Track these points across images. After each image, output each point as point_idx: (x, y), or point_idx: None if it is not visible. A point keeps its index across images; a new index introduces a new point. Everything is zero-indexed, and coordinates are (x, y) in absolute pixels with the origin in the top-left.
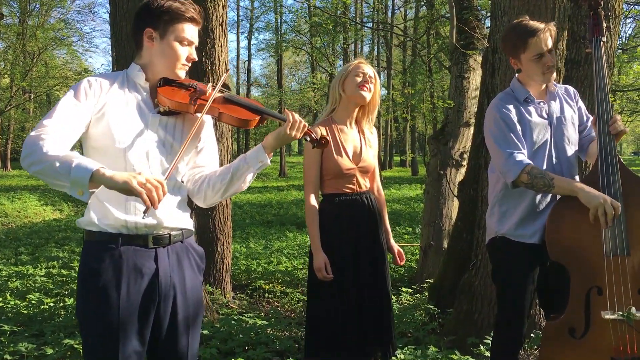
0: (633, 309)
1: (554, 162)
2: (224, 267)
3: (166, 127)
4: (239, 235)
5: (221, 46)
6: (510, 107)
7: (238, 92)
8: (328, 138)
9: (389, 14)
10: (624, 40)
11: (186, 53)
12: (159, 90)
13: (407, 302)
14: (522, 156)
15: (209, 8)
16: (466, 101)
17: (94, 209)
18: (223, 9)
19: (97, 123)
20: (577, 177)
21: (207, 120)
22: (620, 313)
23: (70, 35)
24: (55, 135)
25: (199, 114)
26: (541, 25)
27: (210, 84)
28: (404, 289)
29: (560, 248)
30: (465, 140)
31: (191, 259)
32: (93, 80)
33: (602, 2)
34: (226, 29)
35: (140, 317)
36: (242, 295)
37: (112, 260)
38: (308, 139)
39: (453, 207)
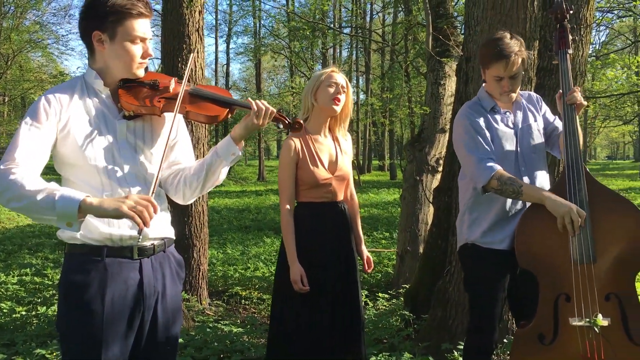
0: (600, 316)
1: (522, 171)
2: (200, 273)
3: (135, 132)
4: (216, 241)
5: (197, 52)
6: (479, 115)
7: None
8: (301, 121)
9: (367, 19)
10: (597, 47)
11: (141, 50)
12: (120, 93)
13: (384, 307)
14: (492, 162)
15: (185, 14)
16: (442, 108)
17: None
18: (199, 15)
19: (64, 141)
20: (546, 185)
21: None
22: (587, 319)
23: (45, 38)
24: (26, 166)
25: (166, 113)
26: (515, 48)
27: (173, 79)
28: (380, 294)
29: (530, 256)
30: (441, 146)
31: (172, 267)
32: (51, 97)
33: (567, 16)
34: (203, 34)
35: (125, 328)
36: (218, 302)
37: (97, 273)
38: (281, 126)
39: (429, 213)
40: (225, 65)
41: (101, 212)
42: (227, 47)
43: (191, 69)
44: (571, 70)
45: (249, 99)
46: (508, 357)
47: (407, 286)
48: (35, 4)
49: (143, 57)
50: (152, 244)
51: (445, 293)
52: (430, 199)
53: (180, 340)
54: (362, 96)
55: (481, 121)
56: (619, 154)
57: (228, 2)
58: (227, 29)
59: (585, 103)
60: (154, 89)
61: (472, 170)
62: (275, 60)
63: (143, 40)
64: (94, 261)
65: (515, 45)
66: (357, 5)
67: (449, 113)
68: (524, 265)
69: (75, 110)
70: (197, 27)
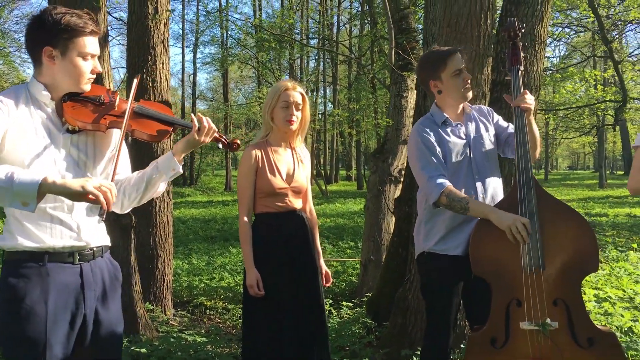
0: (548, 320)
1: (475, 179)
2: (165, 284)
3: (78, 145)
4: (182, 252)
5: (162, 63)
6: (430, 131)
7: (183, 106)
8: (238, 142)
9: (335, 30)
10: (557, 60)
11: (90, 66)
12: (64, 107)
13: (347, 315)
14: (443, 179)
15: (150, 26)
16: (404, 120)
17: (17, 232)
18: (164, 27)
19: (11, 150)
20: (500, 191)
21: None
22: (537, 323)
23: (7, 46)
24: None
25: (113, 129)
26: (452, 47)
27: (119, 96)
28: (344, 303)
29: (483, 263)
30: (404, 157)
31: (110, 272)
32: None
33: (520, 34)
34: (167, 46)
35: (67, 330)
36: (183, 313)
37: (39, 278)
38: (220, 145)
39: (392, 223)
40: (192, 75)
41: (64, 190)
42: (194, 56)
43: (155, 80)
44: (523, 85)
45: (192, 115)
46: None
47: (370, 294)
48: None
49: (92, 72)
50: (91, 250)
51: (405, 301)
52: (392, 209)
53: (144, 350)
54: (329, 106)
55: (432, 137)
56: (580, 164)
57: (195, 12)
58: (193, 39)
59: (532, 107)
60: (99, 105)
61: (423, 187)
62: (242, 72)
63: (93, 56)
64: (35, 267)
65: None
66: (324, 17)
67: (411, 125)
68: (477, 272)
69: (21, 119)
70: (162, 38)
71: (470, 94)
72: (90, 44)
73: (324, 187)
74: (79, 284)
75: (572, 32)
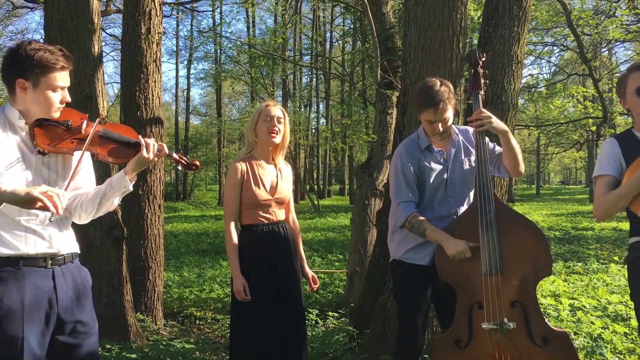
0: (505, 319)
1: (451, 202)
2: (156, 295)
3: (49, 166)
4: (173, 264)
5: (155, 81)
6: (412, 155)
7: (177, 121)
8: (197, 163)
9: (327, 45)
10: (545, 76)
11: (60, 97)
12: (36, 132)
13: (333, 325)
14: (411, 206)
15: (143, 46)
16: (389, 135)
17: None
18: (157, 47)
19: None
20: (461, 208)
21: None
22: (495, 323)
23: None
24: None
25: (77, 152)
26: (444, 95)
27: (85, 121)
28: (330, 313)
29: (448, 270)
30: (388, 172)
31: (82, 276)
32: None
33: (481, 62)
34: (160, 65)
35: (42, 328)
36: (173, 323)
37: (15, 281)
38: (179, 167)
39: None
40: (186, 90)
41: (12, 197)
42: (188, 72)
43: (147, 97)
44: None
45: (139, 136)
46: None
47: (354, 304)
48: None
49: (61, 102)
50: (62, 256)
51: (385, 309)
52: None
53: (134, 356)
54: (322, 122)
55: (412, 165)
56: (572, 179)
57: (189, 29)
58: (187, 55)
59: (483, 127)
60: (67, 129)
61: (393, 209)
62: (233, 88)
63: (62, 88)
64: (11, 270)
65: (444, 92)
66: (317, 33)
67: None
68: (443, 278)
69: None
70: (154, 58)
71: (439, 136)
72: (61, 78)
73: (316, 202)
74: (51, 285)
75: (557, 50)
